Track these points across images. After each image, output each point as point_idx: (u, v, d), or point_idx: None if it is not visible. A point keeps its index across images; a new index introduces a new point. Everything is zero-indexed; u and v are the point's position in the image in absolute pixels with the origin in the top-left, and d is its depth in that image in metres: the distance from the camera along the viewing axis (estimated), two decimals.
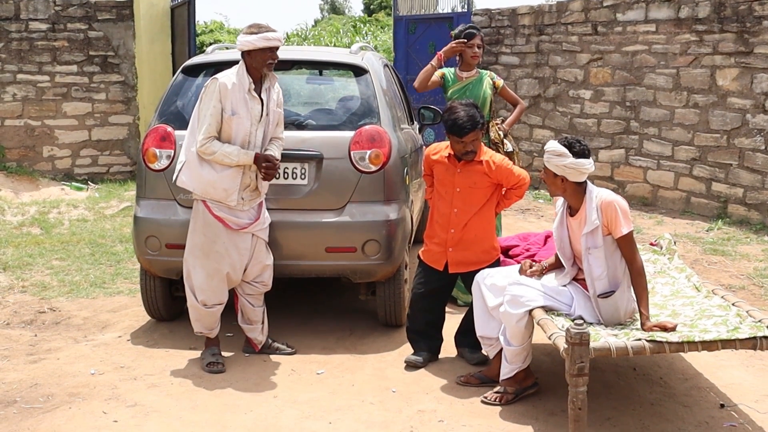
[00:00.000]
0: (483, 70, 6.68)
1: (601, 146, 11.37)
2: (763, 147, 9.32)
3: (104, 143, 12.84)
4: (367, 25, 29.40)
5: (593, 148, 11.43)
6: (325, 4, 63.91)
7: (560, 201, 4.74)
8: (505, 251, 5.52)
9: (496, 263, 5.26)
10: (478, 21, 13.10)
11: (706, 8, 9.83)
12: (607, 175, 11.33)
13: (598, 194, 4.55)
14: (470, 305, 5.44)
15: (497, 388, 4.77)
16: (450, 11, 13.29)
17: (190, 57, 11.59)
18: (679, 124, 10.29)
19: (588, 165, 4.49)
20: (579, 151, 4.48)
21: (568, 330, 3.89)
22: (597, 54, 11.34)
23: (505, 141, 6.41)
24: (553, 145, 4.54)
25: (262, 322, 5.51)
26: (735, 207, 9.66)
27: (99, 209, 10.37)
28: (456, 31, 6.65)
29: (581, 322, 4.00)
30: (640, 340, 4.03)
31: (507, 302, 4.56)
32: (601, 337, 4.18)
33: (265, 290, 5.46)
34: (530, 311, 4.50)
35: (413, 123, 7.48)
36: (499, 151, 6.19)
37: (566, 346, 3.91)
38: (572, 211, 4.64)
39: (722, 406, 4.76)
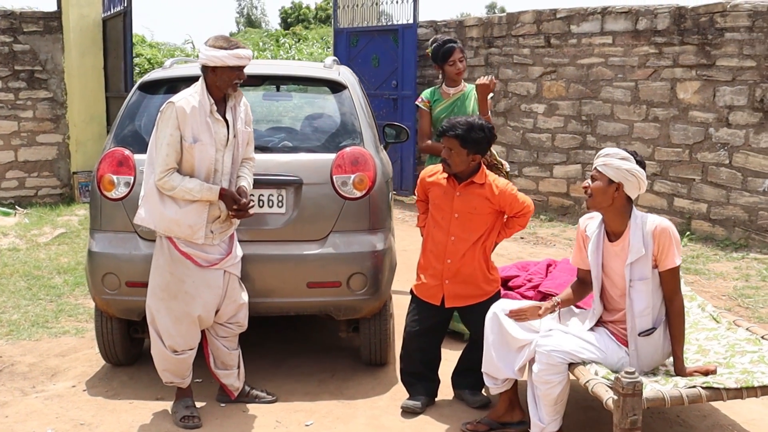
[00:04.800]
0: (469, 84, 6.25)
1: (555, 162, 11.07)
2: (727, 161, 9.11)
3: (32, 164, 12.05)
4: (288, 38, 28.99)
5: (547, 164, 11.15)
6: (241, 17, 63.46)
7: (594, 223, 4.29)
8: (504, 282, 5.09)
9: (497, 296, 4.82)
10: (423, 33, 12.71)
11: (665, 20, 9.60)
12: (563, 191, 11.04)
13: (647, 220, 4.11)
14: (468, 342, 5.05)
15: None
16: (395, 23, 12.87)
17: (125, 72, 10.99)
18: (639, 138, 10.03)
19: (645, 179, 4.08)
20: (640, 161, 4.08)
21: (618, 379, 3.47)
22: (550, 67, 11.04)
23: (503, 162, 5.96)
24: (614, 149, 4.13)
25: (238, 367, 4.96)
26: (699, 223, 9.44)
27: (31, 237, 9.59)
28: (431, 49, 6.18)
29: (632, 370, 3.56)
30: (695, 387, 3.64)
31: (543, 363, 4.04)
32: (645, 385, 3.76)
33: (240, 331, 4.92)
34: (570, 365, 4.04)
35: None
36: (501, 172, 5.76)
37: (616, 397, 3.48)
38: (611, 236, 4.19)
39: None
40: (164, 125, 4.49)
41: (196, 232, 4.55)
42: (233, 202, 4.57)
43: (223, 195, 4.55)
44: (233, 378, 4.93)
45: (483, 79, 5.90)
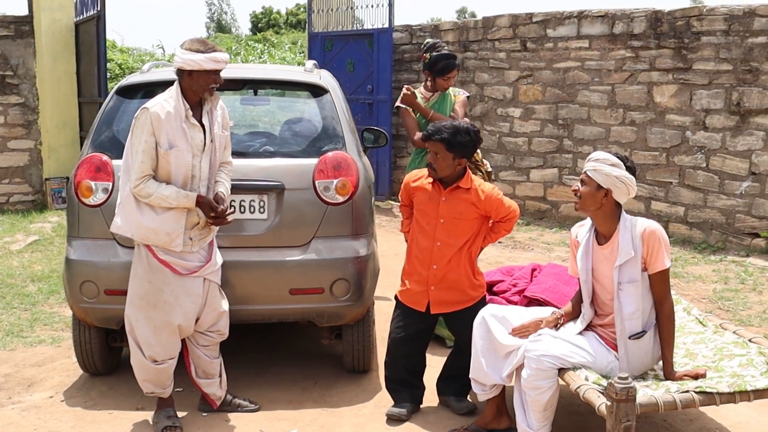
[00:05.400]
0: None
1: (532, 166, 11.06)
2: (704, 164, 9.15)
3: (3, 171, 11.85)
4: (260, 43, 28.88)
5: (524, 168, 11.13)
6: (212, 23, 63.29)
7: (584, 229, 4.27)
8: (489, 287, 5.04)
9: (482, 301, 4.77)
10: (398, 38, 12.68)
11: (642, 24, 9.63)
12: (539, 195, 11.03)
13: (636, 223, 4.09)
14: (453, 347, 5.00)
15: None
16: (370, 27, 12.81)
17: (99, 77, 10.84)
18: (616, 141, 10.05)
19: (635, 185, 4.04)
20: (630, 167, 4.04)
21: (611, 385, 3.43)
22: (527, 71, 11.03)
23: (484, 161, 5.94)
24: (604, 154, 4.08)
25: (220, 375, 4.87)
26: (676, 226, 9.46)
27: (3, 244, 9.42)
28: (429, 56, 6.08)
29: (625, 375, 3.52)
30: (688, 392, 3.62)
31: (533, 368, 3.99)
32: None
33: (221, 339, 4.82)
34: (559, 371, 3.99)
35: None
36: (480, 170, 5.73)
37: (609, 403, 3.44)
38: (601, 239, 4.16)
39: None
40: (139, 132, 4.39)
41: (174, 240, 4.45)
42: (210, 210, 4.49)
43: (200, 202, 4.46)
44: (215, 387, 4.84)
45: (404, 92, 6.02)
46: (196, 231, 4.54)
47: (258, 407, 4.92)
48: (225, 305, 4.75)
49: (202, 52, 4.40)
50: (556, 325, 4.23)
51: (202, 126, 4.52)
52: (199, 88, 4.46)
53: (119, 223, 4.49)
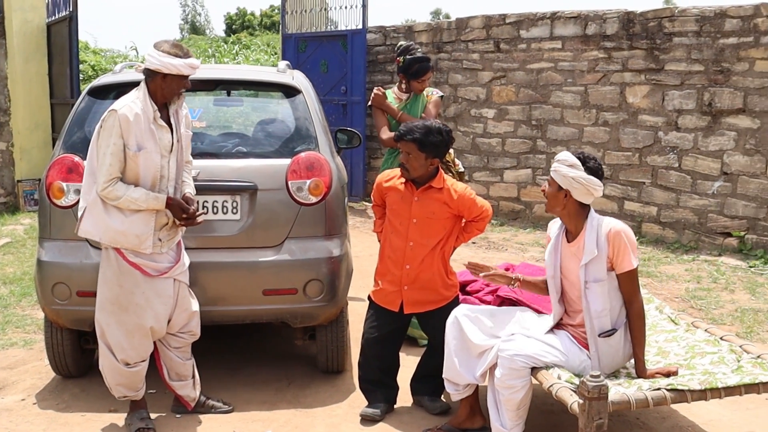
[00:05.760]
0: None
1: (506, 166, 11.10)
2: (676, 164, 9.22)
3: None
4: (235, 45, 28.82)
5: (498, 169, 11.17)
6: (186, 24, 63.03)
7: (556, 225, 4.30)
8: (462, 287, 5.05)
9: (455, 301, 4.78)
10: (372, 39, 12.68)
11: (614, 25, 9.69)
12: (513, 195, 11.07)
13: (603, 222, 4.11)
14: (426, 347, 5.00)
15: None
16: (344, 28, 12.81)
17: (71, 78, 10.77)
18: (589, 142, 10.10)
19: (598, 186, 4.06)
20: (593, 168, 4.06)
21: (583, 383, 3.44)
22: (500, 72, 11.07)
23: (456, 161, 5.96)
24: (566, 155, 4.10)
25: (193, 376, 4.84)
26: (649, 226, 9.53)
27: None
28: (403, 60, 6.09)
29: (597, 373, 3.54)
30: (660, 389, 3.64)
31: (506, 367, 4.00)
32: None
33: (193, 340, 4.80)
34: (532, 370, 4.01)
35: None
36: (450, 171, 5.75)
37: (581, 401, 3.46)
38: (570, 236, 4.19)
39: None
40: (107, 134, 4.34)
41: (143, 242, 4.42)
42: (181, 211, 4.47)
43: (171, 204, 4.44)
44: (189, 388, 4.82)
45: (374, 93, 6.07)
46: (164, 232, 4.52)
47: (232, 408, 4.91)
48: (195, 305, 4.73)
49: (181, 57, 4.39)
50: (510, 283, 4.43)
51: (170, 126, 4.50)
52: (170, 91, 4.44)
53: (87, 227, 4.43)
